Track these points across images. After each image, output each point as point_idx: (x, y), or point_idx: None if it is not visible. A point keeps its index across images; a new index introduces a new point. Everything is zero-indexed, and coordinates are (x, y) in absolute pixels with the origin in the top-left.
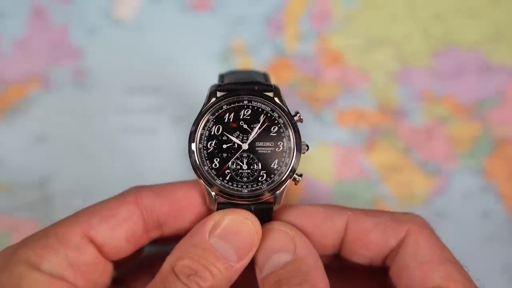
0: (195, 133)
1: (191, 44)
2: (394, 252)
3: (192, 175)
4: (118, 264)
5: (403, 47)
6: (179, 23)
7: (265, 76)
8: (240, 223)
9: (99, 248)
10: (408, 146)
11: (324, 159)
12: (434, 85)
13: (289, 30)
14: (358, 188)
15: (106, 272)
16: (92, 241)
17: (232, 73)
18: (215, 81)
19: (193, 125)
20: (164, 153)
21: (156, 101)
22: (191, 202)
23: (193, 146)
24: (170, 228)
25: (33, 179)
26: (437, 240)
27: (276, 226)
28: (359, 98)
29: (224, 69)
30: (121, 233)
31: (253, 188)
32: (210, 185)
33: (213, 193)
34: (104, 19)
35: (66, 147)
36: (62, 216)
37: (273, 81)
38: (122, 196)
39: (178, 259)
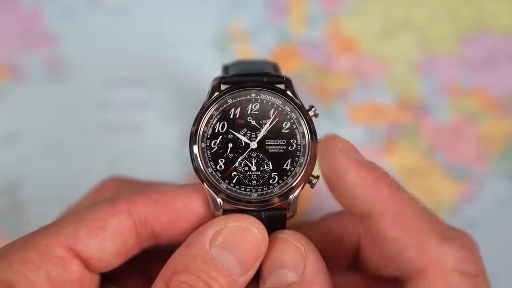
0: (197, 131)
1: (182, 29)
2: (408, 278)
3: (186, 178)
4: (104, 274)
5: (427, 32)
6: (168, 5)
7: (275, 66)
8: (244, 231)
9: (85, 263)
10: (432, 147)
11: None
12: (462, 76)
13: (295, 12)
14: None
15: (91, 285)
16: (77, 255)
17: (238, 64)
18: (209, 71)
19: (194, 122)
20: (151, 154)
21: (142, 95)
22: (193, 210)
23: (195, 145)
24: (166, 238)
25: (0, 184)
26: None
27: (289, 238)
28: (375, 91)
29: (220, 58)
30: (111, 247)
31: (264, 192)
32: (215, 189)
33: (218, 199)
34: (82, 0)
35: (38, 147)
36: (34, 226)
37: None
38: (113, 203)
39: (174, 273)
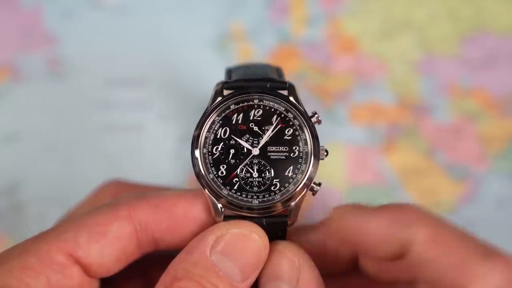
0: (199, 136)
1: (182, 29)
2: None
3: (185, 178)
4: (104, 279)
5: (427, 32)
6: (168, 5)
7: (279, 71)
8: (245, 238)
9: (85, 269)
10: (432, 147)
11: (336, 161)
12: (462, 76)
13: (295, 13)
14: (374, 195)
15: None
16: (77, 261)
17: (241, 68)
18: (209, 71)
19: (197, 127)
20: (151, 154)
21: (142, 95)
22: (193, 216)
23: (197, 151)
24: (167, 243)
25: (0, 184)
26: None
27: (284, 250)
28: (375, 91)
29: (220, 59)
30: (112, 253)
31: (265, 199)
32: (216, 195)
33: (219, 205)
34: (82, 0)
35: (38, 147)
36: (34, 227)
37: None
38: (114, 209)
39: (174, 279)
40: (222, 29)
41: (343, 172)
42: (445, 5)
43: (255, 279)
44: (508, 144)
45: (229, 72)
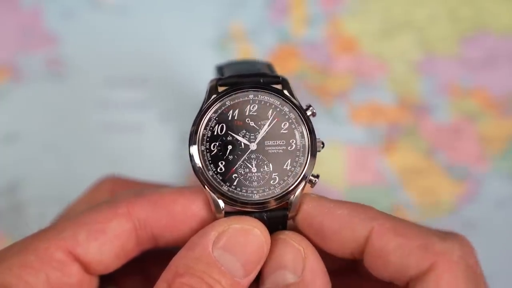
0: (196, 134)
1: (182, 29)
2: (415, 281)
3: (185, 178)
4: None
5: (427, 32)
6: (167, 5)
7: (270, 66)
8: (247, 233)
9: (84, 266)
10: (432, 147)
11: (335, 160)
12: (462, 76)
13: (295, 13)
14: (374, 195)
15: (91, 287)
16: (77, 259)
17: (233, 64)
18: (209, 71)
19: (193, 125)
20: (151, 154)
21: (142, 95)
22: (192, 213)
23: (195, 149)
24: (166, 240)
25: (0, 184)
26: (467, 284)
27: (289, 239)
28: (375, 91)
29: (220, 58)
30: (111, 250)
31: (265, 193)
32: (216, 192)
33: (220, 202)
34: (82, 0)
35: (38, 147)
36: (34, 227)
37: (278, 71)
38: (113, 206)
39: (176, 275)
40: (222, 29)
41: (343, 172)
42: (445, 5)
43: (257, 274)
44: (508, 144)
45: (220, 69)
